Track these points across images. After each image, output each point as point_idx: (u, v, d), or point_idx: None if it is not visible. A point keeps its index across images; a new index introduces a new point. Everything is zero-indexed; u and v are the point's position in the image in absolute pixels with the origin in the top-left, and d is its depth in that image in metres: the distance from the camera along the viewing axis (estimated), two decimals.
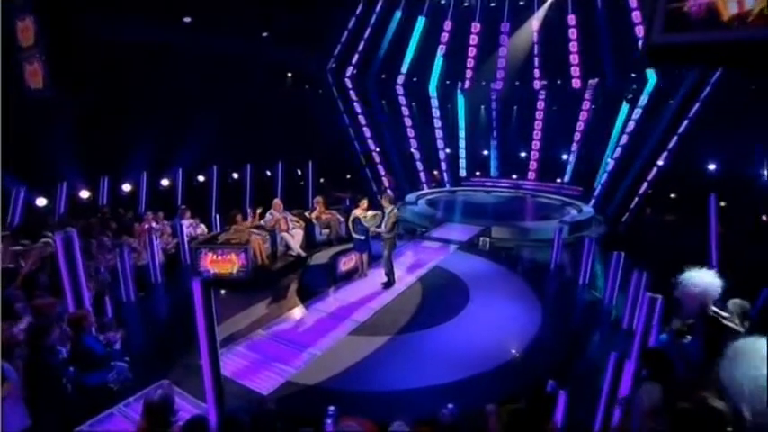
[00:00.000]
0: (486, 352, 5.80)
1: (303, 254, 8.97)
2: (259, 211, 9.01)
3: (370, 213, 7.89)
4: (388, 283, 7.88)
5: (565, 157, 20.19)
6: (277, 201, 9.33)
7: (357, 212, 8.08)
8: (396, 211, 7.92)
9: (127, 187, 11.59)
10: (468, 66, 20.84)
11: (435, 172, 21.96)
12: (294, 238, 9.05)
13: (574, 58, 18.42)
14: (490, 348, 5.89)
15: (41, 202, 9.06)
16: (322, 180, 11.17)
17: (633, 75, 16.82)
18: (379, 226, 7.94)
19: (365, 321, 6.66)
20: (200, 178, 13.88)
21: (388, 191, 8.86)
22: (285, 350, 5.82)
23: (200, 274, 7.62)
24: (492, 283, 8.10)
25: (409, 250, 10.03)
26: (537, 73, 19.84)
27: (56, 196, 9.56)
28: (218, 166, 12.99)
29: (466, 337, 6.32)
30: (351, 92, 20.24)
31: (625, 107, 17.36)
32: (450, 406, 3.49)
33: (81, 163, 10.51)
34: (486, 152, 22.85)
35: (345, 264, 8.46)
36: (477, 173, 22.33)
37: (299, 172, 15.63)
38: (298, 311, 6.97)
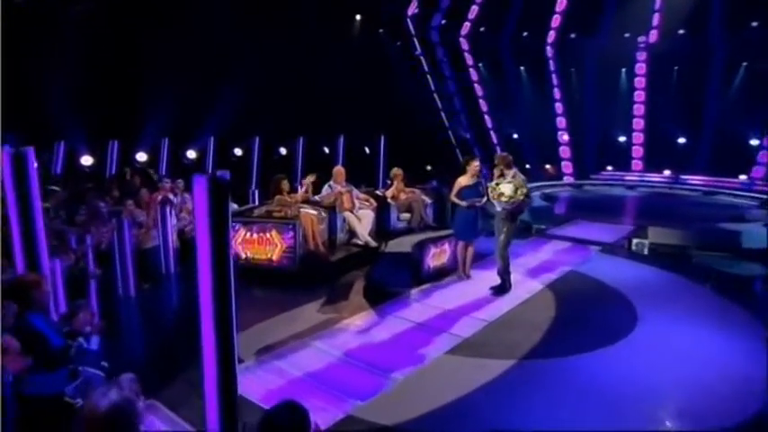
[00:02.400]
0: (700, 397, 4.82)
1: (373, 243, 8.54)
2: (311, 179, 8.63)
3: (506, 187, 7.03)
4: (502, 288, 7.42)
5: (755, 142, 18.62)
6: (339, 168, 8.93)
7: (463, 181, 7.71)
8: (522, 177, 7.27)
9: (142, 156, 11.32)
10: (604, 10, 19.63)
11: (548, 166, 21.14)
12: (361, 222, 8.67)
13: None
14: (705, 392, 4.88)
15: None
16: (395, 170, 10.51)
17: None
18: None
19: (471, 337, 6.07)
20: (238, 152, 13.86)
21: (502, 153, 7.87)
22: (347, 371, 5.26)
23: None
24: (670, 299, 7.50)
25: (528, 251, 9.90)
26: (716, 15, 17.80)
27: (49, 160, 9.23)
28: (262, 137, 12.98)
29: (652, 371, 5.32)
30: (438, 48, 19.86)
31: None
32: None
33: (85, 121, 10.41)
34: (623, 138, 21.97)
35: (436, 257, 8.05)
36: (610, 167, 21.58)
37: (367, 150, 15.38)
38: (366, 318, 6.55)
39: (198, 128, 12.52)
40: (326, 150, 14.48)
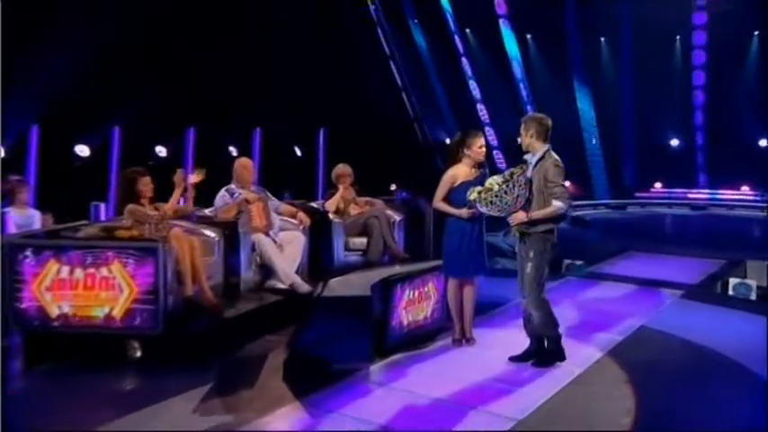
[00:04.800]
0: None
1: (304, 287, 8.22)
2: (197, 177, 8.13)
3: (497, 178, 6.74)
4: (544, 356, 6.81)
5: None
6: (244, 161, 8.97)
7: (460, 173, 7.21)
8: (555, 158, 6.70)
9: None
10: None
11: (567, 183, 21.50)
12: (284, 251, 8.44)
13: None
14: None
15: None
16: (341, 168, 10.77)
17: None
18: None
19: None
20: (82, 151, 13.63)
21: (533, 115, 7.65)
22: None
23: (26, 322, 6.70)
24: None
25: (564, 297, 9.78)
26: None
27: None
28: (123, 129, 13.17)
29: None
30: (406, 4, 20.29)
31: None
32: None
33: None
34: (676, 141, 23.10)
35: (413, 307, 7.44)
36: (658, 184, 22.86)
37: (299, 151, 15.74)
38: (288, 418, 5.81)
39: (11, 111, 12.07)
40: (234, 151, 14.32)
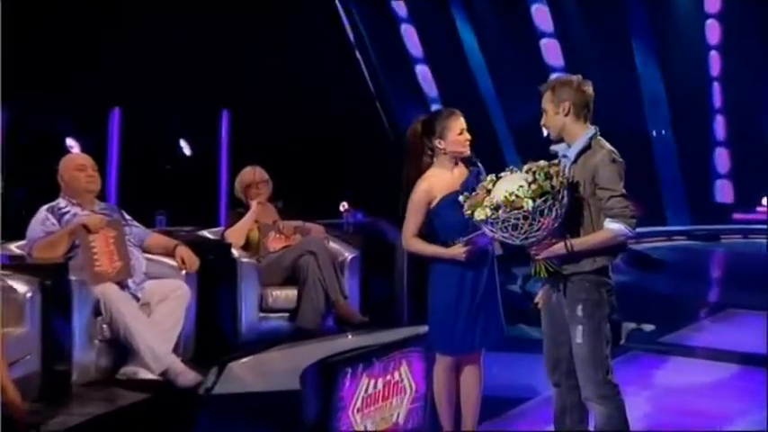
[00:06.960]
0: None
1: (189, 375, 8.03)
2: None
3: (511, 180, 6.31)
4: None
5: None
6: (81, 159, 9.01)
7: (438, 184, 7.10)
8: (610, 149, 6.31)
9: None
10: None
11: None
12: (154, 313, 8.38)
13: None
14: None
15: None
16: (251, 171, 11.21)
17: None
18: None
19: None
20: None
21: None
22: None
23: None
24: None
25: (631, 385, 9.39)
26: None
27: None
28: None
29: None
30: None
31: None
32: None
33: None
34: None
35: (374, 406, 7.26)
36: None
37: (184, 146, 17.16)
38: None
39: None
40: (74, 146, 14.29)
